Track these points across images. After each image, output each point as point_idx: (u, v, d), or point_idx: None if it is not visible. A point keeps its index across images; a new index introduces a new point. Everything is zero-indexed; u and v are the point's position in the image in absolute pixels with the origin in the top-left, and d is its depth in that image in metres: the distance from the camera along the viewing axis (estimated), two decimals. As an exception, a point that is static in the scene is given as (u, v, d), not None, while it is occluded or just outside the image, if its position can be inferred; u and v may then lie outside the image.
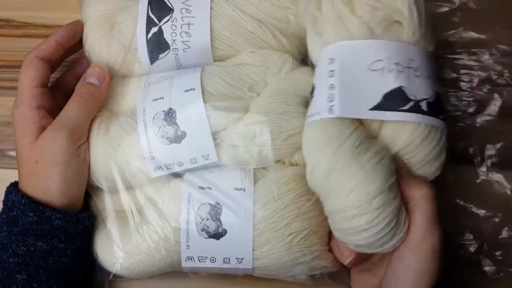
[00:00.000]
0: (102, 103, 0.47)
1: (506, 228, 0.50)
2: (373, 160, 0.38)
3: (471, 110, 0.52)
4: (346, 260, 0.43)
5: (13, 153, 0.54)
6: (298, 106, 0.44)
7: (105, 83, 0.47)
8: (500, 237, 0.50)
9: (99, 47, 0.48)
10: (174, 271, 0.47)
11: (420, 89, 0.39)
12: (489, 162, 0.51)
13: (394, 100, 0.39)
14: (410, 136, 0.39)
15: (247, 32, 0.46)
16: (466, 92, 0.53)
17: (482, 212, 0.51)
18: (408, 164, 0.41)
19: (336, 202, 0.38)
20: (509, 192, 0.51)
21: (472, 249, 0.50)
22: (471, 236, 0.50)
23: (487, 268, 0.50)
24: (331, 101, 0.39)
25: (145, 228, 0.44)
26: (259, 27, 0.46)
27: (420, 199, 0.39)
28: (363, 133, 0.39)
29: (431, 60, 0.42)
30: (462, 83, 0.53)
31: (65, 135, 0.43)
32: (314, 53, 0.44)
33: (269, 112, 0.44)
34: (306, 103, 0.43)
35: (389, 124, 0.40)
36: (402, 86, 0.39)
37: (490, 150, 0.52)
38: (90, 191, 0.48)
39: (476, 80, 0.53)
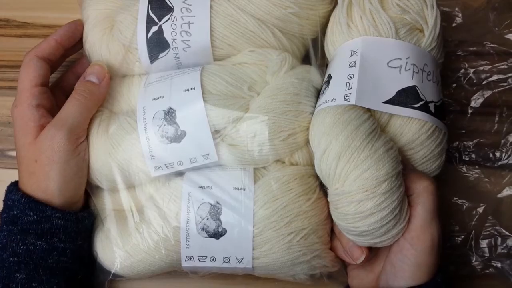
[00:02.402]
0: (102, 101, 0.47)
1: (490, 217, 0.51)
2: (384, 147, 0.39)
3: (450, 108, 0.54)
4: (358, 259, 0.43)
5: (13, 153, 0.54)
6: (298, 105, 0.44)
7: (105, 81, 0.47)
8: (486, 225, 0.51)
9: (99, 46, 0.48)
10: (174, 271, 0.47)
11: (430, 91, 0.42)
12: (467, 158, 0.53)
13: (406, 97, 0.41)
14: (417, 132, 0.41)
15: (247, 31, 0.46)
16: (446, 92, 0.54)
17: (465, 203, 0.52)
18: (411, 160, 0.42)
19: (344, 185, 0.39)
20: (488, 186, 0.52)
21: (458, 240, 0.51)
22: (457, 227, 0.51)
23: (475, 263, 0.50)
24: (348, 89, 0.41)
25: (145, 227, 0.44)
26: (259, 26, 0.46)
27: (423, 192, 0.40)
28: (375, 122, 0.41)
29: (439, 70, 0.45)
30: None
31: (64, 133, 0.43)
32: (333, 45, 0.46)
33: (269, 112, 0.44)
34: (317, 93, 0.46)
35: (397, 118, 0.42)
36: (416, 86, 0.41)
37: (468, 147, 0.53)
38: (89, 191, 0.48)
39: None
